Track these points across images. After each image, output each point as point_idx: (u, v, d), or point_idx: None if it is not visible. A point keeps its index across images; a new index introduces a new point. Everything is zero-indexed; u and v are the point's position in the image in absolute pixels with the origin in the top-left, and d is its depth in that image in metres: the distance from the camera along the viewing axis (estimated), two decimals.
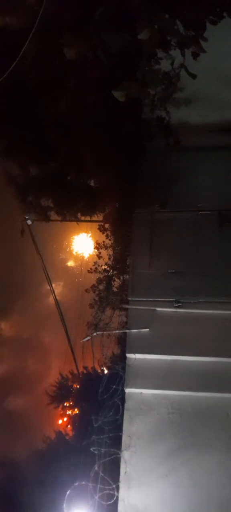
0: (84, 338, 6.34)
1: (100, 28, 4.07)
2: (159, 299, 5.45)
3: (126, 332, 5.53)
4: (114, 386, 5.24)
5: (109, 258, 7.33)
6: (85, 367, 8.04)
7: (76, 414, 7.39)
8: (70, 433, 7.41)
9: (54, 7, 4.35)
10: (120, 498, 4.57)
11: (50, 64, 5.11)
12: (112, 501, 4.60)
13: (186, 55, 4.13)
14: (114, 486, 4.66)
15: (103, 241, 7.50)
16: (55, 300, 8.95)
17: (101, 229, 7.44)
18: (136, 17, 3.85)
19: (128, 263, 6.59)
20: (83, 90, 5.25)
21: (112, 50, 4.16)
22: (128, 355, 5.24)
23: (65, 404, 8.39)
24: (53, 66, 5.12)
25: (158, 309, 5.42)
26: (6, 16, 5.10)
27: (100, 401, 5.31)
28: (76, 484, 4.90)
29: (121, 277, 6.89)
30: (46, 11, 4.20)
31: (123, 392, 5.09)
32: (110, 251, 7.35)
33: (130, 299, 5.70)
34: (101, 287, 7.07)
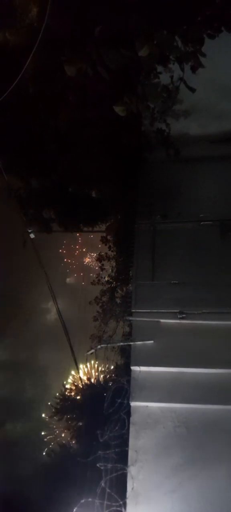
0: (88, 351, 6.31)
1: (100, 45, 4.13)
2: (163, 310, 5.43)
3: (130, 344, 5.50)
4: (119, 400, 5.19)
5: (112, 270, 7.34)
6: (89, 380, 7.99)
7: (81, 428, 7.30)
8: (76, 448, 7.34)
9: (54, 24, 4.44)
10: None
11: (51, 79, 5.19)
12: None
13: (185, 68, 4.18)
14: (121, 502, 4.58)
15: (106, 253, 7.52)
16: (59, 312, 8.93)
17: (104, 241, 7.46)
18: (135, 34, 3.91)
19: (131, 274, 6.59)
20: (84, 104, 5.32)
21: (112, 66, 4.22)
22: (133, 367, 5.19)
23: (69, 417, 8.33)
24: (54, 81, 5.20)
25: (162, 320, 5.40)
26: (7, 32, 5.20)
27: (105, 415, 5.26)
28: (83, 501, 4.83)
29: (124, 289, 6.89)
30: (47, 28, 4.29)
31: (129, 406, 5.04)
32: (113, 263, 7.37)
33: (133, 310, 5.67)
34: (104, 299, 7.07)
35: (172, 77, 4.37)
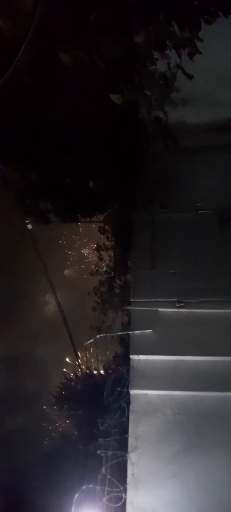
0: (87, 341, 6.36)
1: (95, 32, 4.07)
2: (161, 300, 5.45)
3: (129, 334, 5.54)
4: (119, 388, 5.26)
5: (110, 260, 7.34)
6: (89, 370, 8.06)
7: (81, 417, 7.40)
8: (77, 436, 7.44)
9: (49, 12, 4.35)
10: (127, 500, 4.59)
11: (46, 69, 5.11)
12: (120, 503, 4.63)
13: (182, 55, 4.12)
14: (122, 488, 4.68)
15: (104, 243, 7.50)
16: (57, 302, 8.95)
17: (102, 231, 7.44)
18: (131, 20, 3.85)
19: (129, 265, 6.60)
20: (80, 94, 5.25)
21: (108, 53, 4.16)
22: (132, 356, 5.25)
23: (69, 406, 8.42)
24: (50, 71, 5.12)
25: (160, 309, 5.43)
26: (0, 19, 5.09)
27: (105, 404, 5.33)
28: (84, 487, 4.92)
29: (123, 279, 6.91)
30: (41, 17, 4.20)
31: (128, 394, 5.11)
32: (111, 253, 7.36)
33: (132, 300, 5.70)
34: (103, 289, 7.08)
35: (169, 64, 4.31)
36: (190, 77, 4.09)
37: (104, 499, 4.71)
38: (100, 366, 7.28)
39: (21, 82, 5.17)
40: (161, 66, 4.34)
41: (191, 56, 4.03)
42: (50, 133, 5.72)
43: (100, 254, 7.63)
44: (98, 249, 7.67)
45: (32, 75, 5.18)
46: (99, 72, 4.43)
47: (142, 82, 4.44)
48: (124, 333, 5.85)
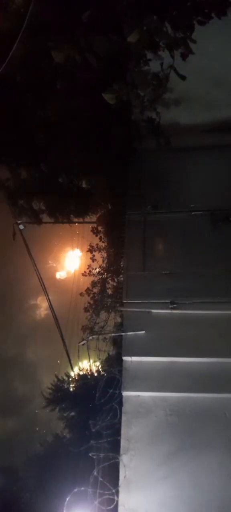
0: (80, 342, 6.31)
1: (88, 31, 4.03)
2: (154, 301, 5.44)
3: (121, 335, 5.51)
4: (111, 390, 5.23)
5: (103, 261, 7.31)
6: (81, 371, 8.02)
7: (73, 419, 7.35)
8: (68, 438, 7.39)
9: (42, 10, 4.30)
10: (119, 502, 4.55)
11: (38, 67, 5.06)
12: (112, 506, 4.59)
13: (175, 55, 4.11)
14: (114, 490, 4.64)
15: (97, 244, 7.47)
16: (50, 304, 8.88)
17: (95, 232, 7.41)
18: (124, 20, 3.82)
19: (122, 265, 6.58)
20: (73, 92, 5.21)
21: (101, 53, 4.13)
22: (124, 358, 5.22)
23: (61, 407, 8.37)
24: (42, 69, 5.07)
25: (153, 311, 5.42)
26: None
27: (97, 405, 5.29)
28: (76, 490, 4.87)
29: (115, 279, 6.88)
30: (34, 14, 4.15)
31: (120, 396, 5.08)
32: (104, 254, 7.33)
33: (124, 301, 5.68)
34: (95, 290, 7.05)
35: (162, 64, 4.30)
36: (183, 78, 4.07)
37: (96, 502, 4.67)
38: (93, 368, 7.25)
39: (13, 80, 5.10)
40: (154, 66, 4.32)
41: (184, 57, 4.02)
42: (42, 131, 5.66)
43: (93, 255, 7.59)
44: (91, 250, 7.63)
45: (24, 73, 5.13)
46: (92, 71, 4.40)
47: (134, 82, 4.41)
48: (117, 334, 5.82)
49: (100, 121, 5.42)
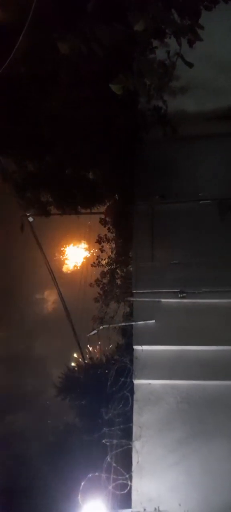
0: (90, 332, 6.40)
1: (93, 21, 3.99)
2: (163, 290, 5.48)
3: (132, 325, 5.58)
4: (123, 379, 5.32)
5: (112, 251, 7.34)
6: (92, 361, 8.12)
7: (85, 407, 7.48)
8: (81, 426, 7.54)
9: (46, 1, 4.27)
10: (133, 487, 4.69)
11: (44, 58, 5.03)
12: (126, 490, 4.72)
13: (181, 42, 4.05)
14: (127, 476, 4.77)
15: (105, 235, 7.50)
16: (59, 293, 8.96)
17: (103, 223, 7.43)
18: (129, 8, 3.77)
19: (130, 256, 6.60)
20: (79, 83, 5.18)
21: (106, 42, 4.09)
22: (135, 347, 5.30)
23: (73, 396, 8.50)
24: (47, 60, 5.04)
25: (163, 300, 5.46)
26: None
27: (109, 394, 5.39)
28: (90, 475, 5.01)
29: (124, 270, 6.92)
30: (38, 5, 4.12)
31: (132, 384, 5.17)
32: (112, 244, 7.36)
33: (134, 291, 5.72)
34: (105, 280, 7.11)
35: (168, 52, 4.24)
36: (190, 65, 4.01)
37: (110, 487, 4.81)
38: (104, 357, 7.34)
39: (17, 72, 5.09)
40: (160, 54, 4.27)
41: (191, 43, 3.95)
42: (48, 123, 5.66)
43: (102, 246, 7.63)
44: (99, 240, 7.67)
45: (28, 65, 5.11)
46: (98, 61, 4.37)
47: (141, 71, 4.37)
48: (127, 324, 5.88)
49: (106, 111, 5.39)
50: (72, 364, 8.71)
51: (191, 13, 3.68)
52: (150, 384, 5.09)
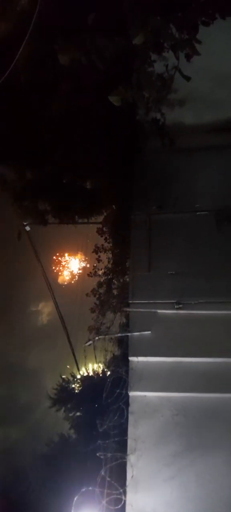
0: (86, 343, 6.34)
1: (93, 34, 4.06)
2: (160, 301, 5.45)
3: (128, 335, 5.53)
4: (118, 390, 5.25)
5: (109, 261, 7.33)
6: (88, 372, 8.04)
7: (80, 419, 7.38)
8: (76, 438, 7.42)
9: (47, 12, 4.34)
10: (127, 502, 4.57)
11: (44, 68, 5.09)
12: (120, 505, 4.61)
13: (179, 56, 4.12)
14: (121, 490, 4.66)
15: (102, 244, 7.50)
16: (56, 304, 8.92)
17: (100, 232, 7.44)
18: (129, 21, 3.84)
19: (127, 266, 6.59)
20: (78, 93, 5.24)
21: (106, 54, 4.16)
22: (131, 358, 5.24)
23: (68, 407, 8.39)
24: (47, 70, 5.10)
25: (159, 311, 5.43)
26: None
27: (104, 406, 5.31)
28: (84, 489, 4.90)
29: (121, 280, 6.91)
30: (39, 16, 4.19)
31: (127, 396, 5.10)
32: (109, 254, 7.36)
33: (130, 302, 5.69)
34: (101, 290, 7.07)
35: (166, 65, 4.31)
36: (187, 79, 4.08)
37: (104, 502, 4.69)
38: (99, 368, 7.27)
39: (18, 81, 5.14)
40: (158, 68, 4.34)
41: (188, 58, 4.03)
42: (47, 132, 5.70)
43: (99, 256, 7.62)
44: (96, 250, 7.66)
45: (29, 74, 5.16)
46: (97, 72, 4.43)
47: (139, 83, 4.43)
48: (123, 334, 5.84)
49: (105, 122, 5.45)
50: (67, 375, 8.64)
51: (189, 27, 3.76)
52: (145, 396, 5.02)
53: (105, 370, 7.08)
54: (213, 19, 3.84)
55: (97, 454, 5.01)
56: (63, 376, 9.07)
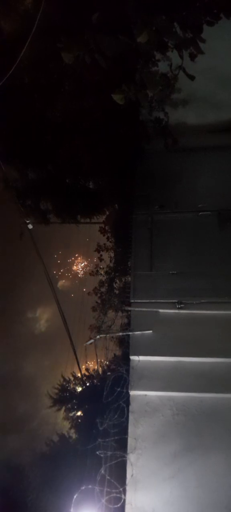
0: (87, 341, 6.34)
1: (97, 32, 4.07)
2: (161, 301, 5.45)
3: (129, 334, 5.53)
4: (119, 389, 5.24)
5: (110, 260, 7.34)
6: (88, 370, 8.04)
7: (80, 417, 7.38)
8: (76, 437, 7.42)
9: (51, 11, 4.36)
10: (127, 501, 4.57)
11: (47, 67, 5.11)
12: (119, 504, 4.60)
13: (183, 55, 4.12)
14: (121, 489, 4.66)
15: (104, 244, 7.51)
16: (57, 301, 8.91)
17: (102, 232, 7.45)
18: (133, 20, 3.85)
19: (129, 265, 6.59)
20: (81, 93, 5.25)
21: (110, 53, 4.16)
22: (132, 357, 5.24)
23: (68, 407, 8.39)
24: (51, 70, 5.12)
25: (161, 310, 5.43)
26: (2, 20, 5.09)
27: (105, 404, 5.31)
28: (83, 488, 4.89)
29: (123, 279, 6.91)
30: (43, 15, 4.21)
31: (128, 395, 5.09)
32: (111, 253, 7.36)
33: (132, 301, 5.70)
34: (103, 289, 7.08)
35: (170, 65, 4.32)
36: (192, 78, 4.08)
37: (103, 500, 4.68)
38: (100, 367, 7.26)
39: (21, 81, 5.16)
40: (162, 67, 4.35)
41: (192, 57, 4.03)
42: (50, 132, 5.72)
43: (101, 255, 7.62)
44: (98, 249, 7.67)
45: (32, 74, 5.18)
46: (101, 71, 4.43)
47: (143, 82, 4.44)
48: (124, 333, 5.84)
49: (108, 121, 5.46)
50: (69, 373, 8.63)
51: (193, 26, 3.76)
52: (146, 395, 5.02)
53: (106, 369, 7.06)
54: (218, 19, 3.84)
55: (97, 453, 5.00)
56: (64, 375, 9.07)
